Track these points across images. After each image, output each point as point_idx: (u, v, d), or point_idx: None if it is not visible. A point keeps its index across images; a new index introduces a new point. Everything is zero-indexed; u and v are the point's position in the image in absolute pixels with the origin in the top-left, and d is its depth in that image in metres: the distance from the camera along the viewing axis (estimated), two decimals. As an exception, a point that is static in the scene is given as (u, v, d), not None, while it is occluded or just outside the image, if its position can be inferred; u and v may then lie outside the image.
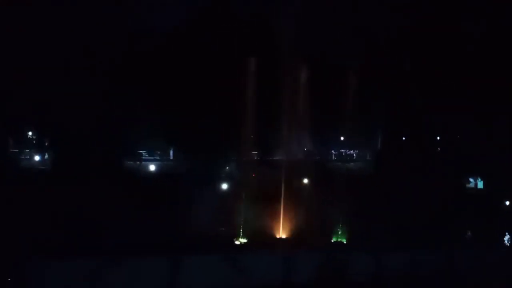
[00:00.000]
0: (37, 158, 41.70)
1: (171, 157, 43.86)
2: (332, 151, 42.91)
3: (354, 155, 45.83)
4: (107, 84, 34.84)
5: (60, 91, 34.35)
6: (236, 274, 22.37)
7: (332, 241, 28.45)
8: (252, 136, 32.27)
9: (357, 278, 23.80)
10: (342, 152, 43.40)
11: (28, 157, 41.63)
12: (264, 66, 32.40)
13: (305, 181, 34.17)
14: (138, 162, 42.16)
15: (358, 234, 28.86)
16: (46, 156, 41.61)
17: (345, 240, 28.92)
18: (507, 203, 42.36)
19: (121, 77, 35.66)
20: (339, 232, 29.48)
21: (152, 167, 42.61)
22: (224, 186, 35.09)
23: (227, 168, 38.31)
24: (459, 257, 26.14)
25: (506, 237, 33.61)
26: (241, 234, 28.14)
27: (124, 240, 23.08)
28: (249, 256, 24.27)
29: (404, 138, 44.60)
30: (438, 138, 44.64)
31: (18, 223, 24.51)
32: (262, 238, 28.00)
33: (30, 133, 42.17)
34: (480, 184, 47.17)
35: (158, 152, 43.60)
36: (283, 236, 28.37)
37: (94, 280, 20.26)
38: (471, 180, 47.03)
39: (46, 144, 41.61)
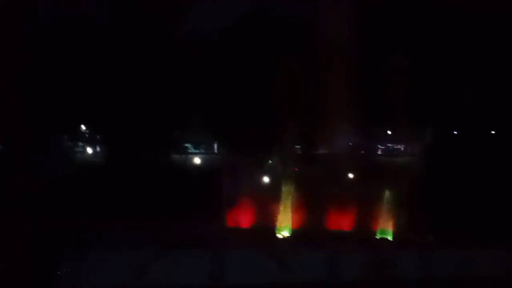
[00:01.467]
0: (89, 151, 43.57)
1: (216, 151, 44.51)
2: (378, 145, 41.90)
3: (401, 148, 44.55)
4: (156, 82, 35.83)
5: (111, 88, 35.68)
6: (279, 270, 22.36)
7: (378, 237, 27.82)
8: (295, 130, 32.05)
9: (403, 277, 23.15)
10: (389, 146, 42.29)
11: (81, 150, 43.58)
12: (307, 61, 32.10)
13: (350, 175, 33.59)
14: (184, 155, 43.12)
15: (405, 231, 28.11)
16: (98, 149, 43.38)
17: (391, 237, 28.17)
18: None
19: (170, 75, 36.52)
20: (385, 229, 28.81)
21: (197, 160, 43.43)
22: (267, 179, 35.15)
23: (270, 161, 38.33)
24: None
25: None
26: (284, 228, 28.07)
27: (170, 232, 23.64)
28: (293, 252, 24.16)
29: (455, 132, 42.89)
30: (493, 132, 42.62)
31: (69, 214, 25.72)
32: (305, 233, 27.85)
33: (83, 127, 44.07)
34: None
35: (203, 146, 44.39)
36: (326, 231, 28.02)
37: (141, 272, 20.89)
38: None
39: (98, 137, 43.35)
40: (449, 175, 36.82)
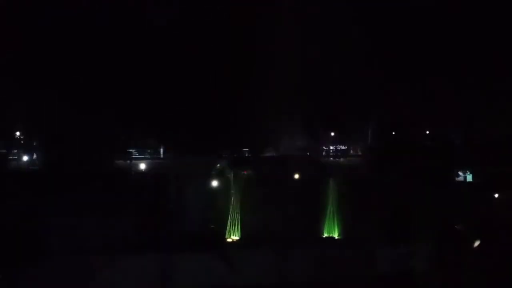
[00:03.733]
0: (25, 158, 41.28)
1: (162, 156, 43.71)
2: (323, 147, 43.04)
3: (346, 149, 46.03)
4: (96, 82, 34.71)
5: (49, 91, 34.14)
6: (230, 272, 22.34)
7: (324, 236, 28.48)
8: (243, 133, 32.24)
9: (350, 273, 23.85)
10: (333, 147, 43.55)
11: (16, 157, 41.20)
12: (255, 62, 32.43)
13: (296, 176, 34.18)
14: (128, 161, 41.97)
15: (349, 229, 28.96)
16: (35, 156, 41.22)
17: (336, 235, 28.94)
18: (496, 195, 42.84)
19: (111, 75, 35.51)
20: (330, 227, 29.54)
21: (142, 166, 42.41)
22: (215, 183, 35.03)
23: (218, 165, 38.25)
24: (449, 251, 26.35)
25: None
26: (233, 232, 28.07)
27: (116, 239, 22.97)
28: (242, 253, 24.23)
29: (393, 133, 44.95)
30: (427, 132, 45.09)
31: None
32: (254, 235, 28.02)
33: (18, 133, 41.72)
34: (469, 178, 47.68)
35: (149, 151, 43.42)
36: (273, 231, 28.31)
37: (87, 280, 20.14)
38: (460, 173, 47.53)
39: (34, 144, 41.22)
40: (389, 175, 38.48)
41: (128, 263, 20.91)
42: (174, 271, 21.77)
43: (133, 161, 42.35)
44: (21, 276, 19.32)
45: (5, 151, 40.44)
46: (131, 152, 42.47)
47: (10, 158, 40.41)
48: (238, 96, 30.30)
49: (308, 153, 36.83)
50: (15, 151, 41.08)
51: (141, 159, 43.05)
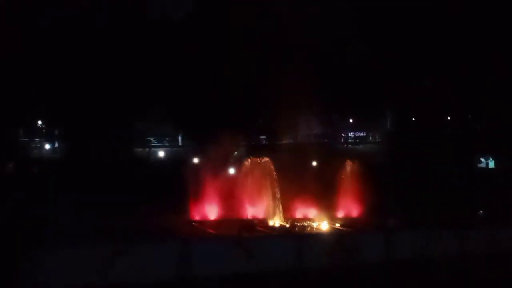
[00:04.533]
0: (47, 146, 42.14)
1: (180, 143, 44.10)
2: (342, 134, 42.74)
3: (364, 136, 45.55)
4: (116, 73, 35.02)
5: (70, 80, 34.60)
6: (247, 259, 22.46)
7: (341, 224, 28.38)
8: (260, 121, 32.16)
9: (368, 260, 23.73)
10: (352, 134, 43.20)
11: (38, 146, 42.07)
12: (270, 52, 32.27)
13: (314, 163, 34.05)
14: (147, 149, 42.48)
15: (369, 215, 28.82)
16: (56, 145, 42.03)
17: (355, 222, 28.78)
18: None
19: (130, 65, 35.77)
20: (349, 214, 29.46)
21: (161, 154, 42.90)
22: (232, 170, 35.15)
23: (236, 153, 38.34)
24: (471, 237, 25.96)
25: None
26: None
27: (134, 227, 23.27)
28: (260, 240, 24.33)
29: (413, 119, 44.28)
30: (448, 118, 44.32)
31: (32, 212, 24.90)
32: (271, 221, 28.15)
33: (39, 122, 42.51)
34: (492, 164, 46.87)
35: (167, 139, 43.88)
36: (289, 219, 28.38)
37: (106, 269, 20.47)
38: (482, 160, 46.73)
39: (56, 132, 41.99)
40: (408, 161, 38.05)
41: (145, 252, 21.15)
42: (194, 258, 21.95)
43: (152, 149, 42.88)
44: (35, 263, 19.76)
45: (27, 139, 41.32)
46: (149, 140, 42.99)
47: (32, 147, 41.31)
48: (255, 83, 30.16)
49: (326, 140, 36.59)
50: (37, 139, 41.96)
51: (160, 147, 43.53)
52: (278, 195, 28.72)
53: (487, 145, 42.41)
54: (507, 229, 27.86)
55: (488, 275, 22.59)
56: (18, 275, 19.64)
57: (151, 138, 43.76)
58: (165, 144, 44.34)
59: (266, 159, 30.07)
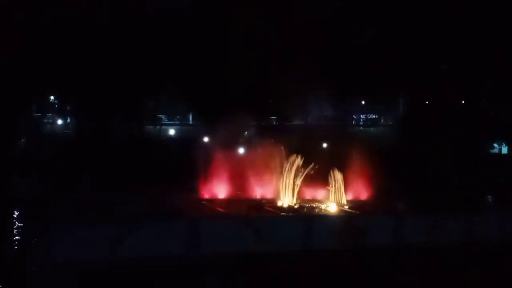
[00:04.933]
0: (59, 122, 42.43)
1: (191, 122, 44.17)
2: (353, 116, 42.35)
3: (376, 118, 45.15)
4: (127, 52, 34.92)
5: (83, 57, 34.59)
6: (255, 239, 22.61)
7: (348, 206, 28.36)
8: (271, 101, 31.94)
9: (377, 243, 23.75)
10: (363, 116, 42.79)
11: (51, 121, 42.37)
12: (283, 32, 31.83)
13: (324, 145, 33.90)
14: (158, 127, 42.61)
15: (378, 199, 28.72)
16: (68, 120, 42.30)
17: (363, 205, 28.72)
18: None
19: (142, 45, 35.64)
20: (358, 197, 29.38)
21: (171, 132, 43.03)
22: (242, 150, 35.22)
23: (246, 132, 38.29)
24: (480, 223, 25.81)
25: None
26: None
27: (145, 205, 23.49)
28: (268, 220, 24.45)
29: (427, 102, 43.70)
30: (463, 102, 43.63)
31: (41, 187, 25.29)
32: (280, 201, 28.24)
33: (52, 97, 42.72)
34: (505, 150, 46.29)
35: (178, 117, 43.94)
36: (298, 200, 28.42)
37: (116, 244, 20.79)
38: (495, 145, 46.14)
39: (68, 108, 42.21)
40: (421, 145, 37.69)
41: (154, 229, 21.40)
42: (202, 237, 22.16)
43: (162, 127, 43.01)
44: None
45: (39, 114, 41.60)
46: (160, 118, 43.09)
47: (45, 122, 41.61)
48: (267, 64, 29.89)
49: (337, 122, 36.33)
50: (49, 115, 42.22)
51: (170, 125, 43.64)
52: (287, 176, 28.68)
53: (500, 130, 41.81)
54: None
55: (495, 261, 22.51)
56: (33, 248, 20.09)
57: (162, 116, 43.83)
58: (175, 122, 44.42)
59: (276, 140, 29.97)
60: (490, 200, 31.54)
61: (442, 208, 26.10)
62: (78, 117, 39.03)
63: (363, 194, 29.70)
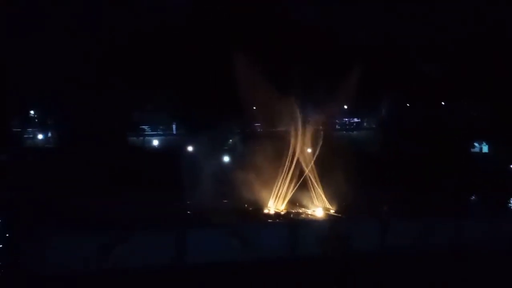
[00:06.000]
0: (40, 136, 41.84)
1: (174, 132, 43.94)
2: (336, 120, 42.61)
3: (359, 122, 45.58)
4: (109, 62, 34.72)
5: (62, 70, 34.26)
6: (242, 247, 22.55)
7: (334, 210, 28.49)
8: (254, 108, 31.97)
9: (363, 247, 23.84)
10: (346, 120, 43.11)
11: (31, 136, 41.77)
12: (264, 38, 31.99)
13: (308, 150, 33.97)
14: (142, 137, 42.31)
15: (362, 203, 28.86)
16: (50, 135, 41.74)
17: (350, 209, 28.85)
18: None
19: (124, 55, 35.48)
20: (343, 202, 29.47)
21: (155, 142, 42.74)
22: (227, 158, 35.18)
23: (231, 141, 38.29)
24: (468, 226, 26.01)
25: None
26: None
27: (132, 215, 23.31)
28: (255, 227, 24.41)
29: (408, 105, 44.27)
30: (443, 103, 44.31)
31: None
32: (266, 208, 28.26)
33: (32, 112, 42.12)
34: (485, 149, 47.09)
35: (161, 127, 43.69)
36: (282, 206, 28.47)
37: (103, 255, 20.58)
38: (476, 144, 46.90)
39: (49, 122, 41.66)
40: (404, 149, 38.11)
41: (140, 240, 21.24)
42: (188, 246, 22.02)
43: (146, 138, 42.71)
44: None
45: (20, 129, 40.98)
46: (143, 129, 42.79)
47: (25, 137, 40.99)
48: (248, 71, 29.95)
49: (320, 127, 36.46)
50: (30, 129, 41.62)
51: (154, 135, 43.36)
52: (273, 182, 28.75)
53: (481, 130, 42.55)
54: (505, 218, 28.02)
55: (483, 266, 22.57)
56: (23, 253, 19.86)
57: (145, 127, 43.56)
58: (159, 132, 44.16)
59: (260, 146, 30.02)
60: (476, 201, 31.93)
61: (429, 212, 26.30)
62: (59, 130, 38.56)
63: (349, 198, 29.83)
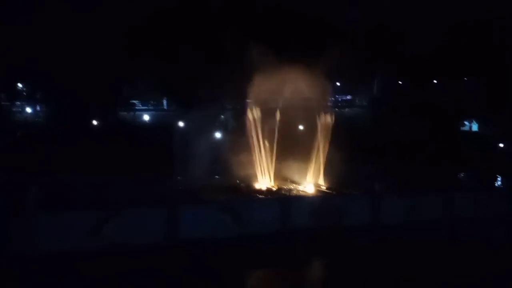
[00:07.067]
0: (29, 110, 41.14)
1: (165, 107, 43.50)
2: (329, 97, 42.40)
3: (351, 99, 45.52)
4: (99, 35, 33.90)
5: (52, 42, 33.41)
6: (234, 223, 22.70)
7: (326, 187, 28.67)
8: (246, 85, 31.65)
9: (354, 223, 24.16)
10: (339, 98, 42.98)
11: (20, 109, 41.05)
12: (258, 15, 31.31)
13: (300, 127, 33.92)
14: (132, 113, 41.85)
15: (353, 179, 29.06)
16: (38, 108, 41.08)
17: (339, 186, 29.03)
18: (501, 145, 42.73)
19: (115, 28, 34.64)
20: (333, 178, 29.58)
21: (146, 117, 42.31)
22: (219, 135, 34.99)
23: (222, 117, 38.02)
24: (457, 202, 26.44)
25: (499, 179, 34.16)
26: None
27: (126, 192, 23.18)
28: (246, 204, 24.51)
29: (400, 83, 44.21)
30: (435, 81, 44.32)
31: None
32: (258, 184, 28.34)
33: (20, 85, 41.27)
34: (475, 127, 47.52)
35: (152, 102, 43.19)
36: (276, 182, 28.57)
37: (95, 232, 20.59)
38: (466, 123, 47.26)
39: (38, 96, 40.91)
40: (395, 126, 38.20)
41: (132, 217, 21.24)
42: (180, 222, 22.10)
43: (136, 113, 42.24)
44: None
45: (8, 103, 40.22)
46: (134, 104, 42.28)
47: (14, 110, 40.28)
48: (241, 47, 29.51)
49: (313, 104, 36.35)
50: (18, 103, 40.87)
51: (144, 111, 42.92)
52: (265, 159, 28.75)
53: (471, 109, 42.79)
54: (491, 193, 28.59)
55: (472, 238, 23.16)
56: (12, 235, 19.76)
57: (136, 102, 43.03)
58: (149, 107, 43.67)
59: (252, 123, 29.86)
60: (465, 178, 32.31)
61: (419, 188, 26.63)
62: (49, 104, 37.87)
63: (341, 175, 30.00)
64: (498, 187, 33.55)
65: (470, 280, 18.26)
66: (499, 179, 34.97)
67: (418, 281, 17.83)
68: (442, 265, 19.55)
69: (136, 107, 42.82)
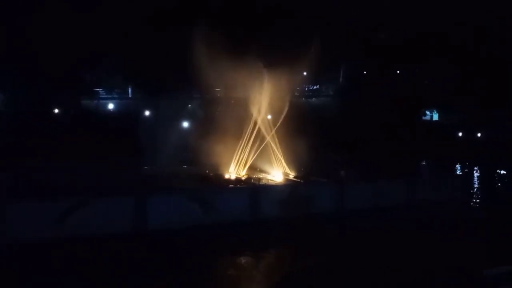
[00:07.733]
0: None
1: (130, 95, 42.61)
2: (296, 87, 42.74)
3: (317, 89, 46.06)
4: (59, 18, 32.73)
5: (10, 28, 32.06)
6: (203, 211, 22.67)
7: (293, 175, 29.04)
8: (213, 73, 31.43)
9: (322, 210, 24.65)
10: (305, 87, 43.41)
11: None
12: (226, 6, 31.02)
13: (269, 117, 34.11)
14: (96, 101, 40.78)
15: (321, 168, 29.60)
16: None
17: (307, 174, 29.50)
18: (460, 134, 44.59)
19: (77, 12, 33.54)
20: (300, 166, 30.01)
21: (110, 106, 41.37)
22: (186, 124, 34.73)
23: (190, 105, 37.71)
24: (417, 188, 27.50)
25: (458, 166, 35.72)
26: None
27: (93, 180, 22.73)
28: (216, 193, 24.51)
29: (364, 72, 45.11)
30: (398, 72, 45.51)
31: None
32: (227, 174, 28.39)
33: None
34: (436, 116, 49.28)
35: (116, 90, 42.18)
36: (243, 171, 28.69)
37: (63, 222, 20.12)
38: (427, 112, 48.94)
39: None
40: (359, 114, 39.08)
41: (100, 206, 20.86)
42: (149, 212, 21.86)
43: (100, 101, 41.21)
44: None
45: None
46: (98, 92, 41.18)
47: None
48: (207, 35, 29.25)
49: (281, 94, 36.58)
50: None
51: (109, 99, 41.92)
52: (233, 148, 28.77)
53: (432, 98, 44.27)
54: (450, 179, 29.96)
55: (432, 220, 24.35)
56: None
57: (99, 90, 41.90)
58: (114, 96, 42.65)
59: (221, 112, 29.79)
60: (426, 166, 33.55)
61: (383, 175, 27.47)
62: (9, 92, 36.34)
63: (307, 163, 30.43)
64: (457, 173, 35.15)
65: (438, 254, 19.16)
66: (458, 166, 36.62)
67: (390, 262, 18.52)
68: (409, 246, 20.40)
69: (100, 96, 41.78)
